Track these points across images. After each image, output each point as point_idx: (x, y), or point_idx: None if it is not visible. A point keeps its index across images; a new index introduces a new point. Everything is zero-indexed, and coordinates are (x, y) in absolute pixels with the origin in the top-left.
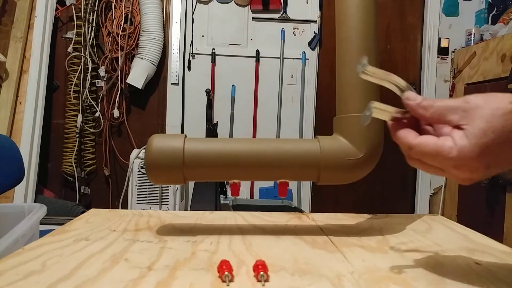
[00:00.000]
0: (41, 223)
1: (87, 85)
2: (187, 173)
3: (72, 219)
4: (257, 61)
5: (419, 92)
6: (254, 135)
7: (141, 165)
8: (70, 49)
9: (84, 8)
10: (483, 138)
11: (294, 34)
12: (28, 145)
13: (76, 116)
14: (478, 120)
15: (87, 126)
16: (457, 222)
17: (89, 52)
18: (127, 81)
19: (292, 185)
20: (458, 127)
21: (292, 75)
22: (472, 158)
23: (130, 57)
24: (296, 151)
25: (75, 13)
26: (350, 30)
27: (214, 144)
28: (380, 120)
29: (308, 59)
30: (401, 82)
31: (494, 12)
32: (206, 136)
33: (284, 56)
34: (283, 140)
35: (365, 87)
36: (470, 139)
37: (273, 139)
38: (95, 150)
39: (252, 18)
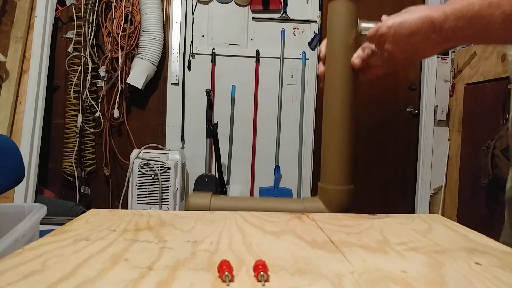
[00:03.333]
0: (41, 223)
1: (87, 85)
2: None
3: (72, 219)
4: (257, 61)
5: (419, 92)
6: (254, 135)
7: (141, 165)
8: (70, 49)
9: (84, 8)
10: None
11: (294, 34)
12: (28, 145)
13: (76, 116)
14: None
15: (87, 126)
16: (457, 222)
17: (89, 52)
18: (127, 81)
19: (292, 185)
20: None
21: (292, 75)
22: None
23: (130, 57)
24: (287, 209)
25: (75, 13)
26: (334, 115)
27: (232, 202)
28: (348, 191)
29: (308, 59)
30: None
31: None
32: (206, 136)
33: (284, 56)
34: (280, 200)
35: (342, 164)
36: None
37: (273, 199)
38: (95, 150)
39: (252, 18)
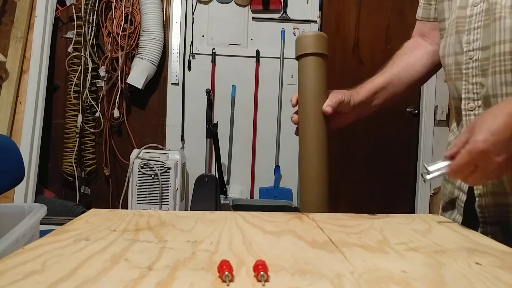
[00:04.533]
0: (41, 223)
1: (87, 85)
2: None
3: (72, 219)
4: (257, 61)
5: (419, 92)
6: (254, 135)
7: (141, 165)
8: (70, 49)
9: (84, 8)
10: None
11: (294, 34)
12: (28, 145)
13: (76, 116)
14: (479, 127)
15: (87, 126)
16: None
17: (89, 52)
18: (127, 81)
19: (293, 185)
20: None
21: (292, 75)
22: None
23: (130, 57)
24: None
25: (75, 13)
26: (311, 148)
27: None
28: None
29: None
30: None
31: None
32: (206, 136)
33: (284, 56)
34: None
35: (321, 195)
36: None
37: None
38: (95, 150)
39: (252, 18)
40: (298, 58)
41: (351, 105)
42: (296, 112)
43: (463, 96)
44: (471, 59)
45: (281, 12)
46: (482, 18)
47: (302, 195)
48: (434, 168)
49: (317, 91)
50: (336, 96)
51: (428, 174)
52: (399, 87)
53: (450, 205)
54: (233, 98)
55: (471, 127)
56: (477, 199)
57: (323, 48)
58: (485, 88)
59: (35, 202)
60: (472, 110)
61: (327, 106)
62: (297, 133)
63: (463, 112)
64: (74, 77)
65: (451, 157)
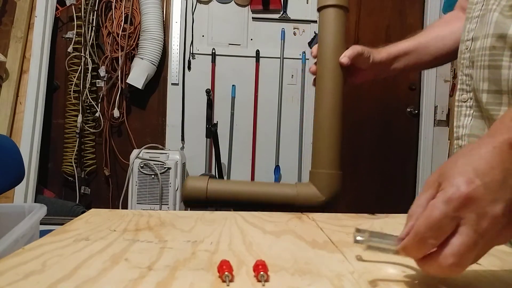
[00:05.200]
0: (41, 223)
1: (87, 85)
2: (209, 202)
3: (72, 219)
4: (257, 61)
5: (419, 92)
6: (254, 135)
7: (141, 165)
8: (70, 49)
9: (84, 8)
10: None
11: (294, 34)
12: (28, 145)
13: (76, 116)
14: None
15: (87, 126)
16: None
17: (89, 52)
18: (127, 81)
19: None
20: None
21: (292, 75)
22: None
23: (130, 57)
24: (280, 192)
25: (75, 13)
26: (324, 108)
27: (228, 185)
28: (339, 176)
29: (308, 59)
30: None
31: None
32: (206, 136)
33: (284, 56)
34: (274, 184)
35: (332, 150)
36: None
37: (267, 183)
38: (95, 150)
39: (252, 18)
40: (319, 9)
41: (369, 61)
42: (316, 64)
43: (458, 86)
44: (466, 49)
45: (281, 12)
46: (482, 7)
47: (314, 148)
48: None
49: (335, 43)
50: (355, 48)
51: (358, 240)
52: (424, 57)
53: None
54: (233, 98)
55: (441, 169)
56: None
57: (343, 0)
58: (473, 80)
59: (35, 202)
60: (464, 102)
61: (344, 57)
62: (314, 83)
63: (456, 103)
64: (74, 77)
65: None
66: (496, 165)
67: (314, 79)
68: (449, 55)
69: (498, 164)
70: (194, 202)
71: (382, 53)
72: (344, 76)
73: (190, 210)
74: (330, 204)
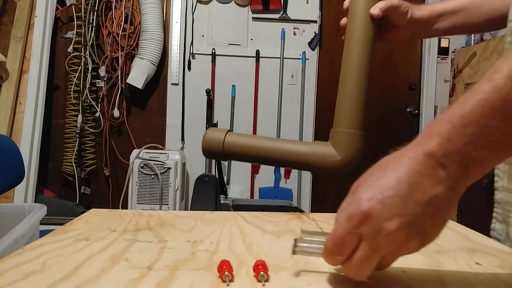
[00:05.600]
0: (41, 223)
1: (87, 85)
2: (226, 156)
3: (72, 219)
4: (257, 61)
5: (419, 92)
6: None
7: (141, 165)
8: (70, 49)
9: (84, 8)
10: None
11: (294, 34)
12: (28, 145)
13: (76, 116)
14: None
15: (87, 126)
16: (457, 222)
17: (89, 52)
18: (127, 81)
19: (293, 185)
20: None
21: (292, 75)
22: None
23: (130, 57)
24: (296, 150)
25: (75, 13)
26: (353, 55)
27: (243, 139)
28: (361, 136)
29: (308, 59)
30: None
31: None
32: None
33: (284, 56)
34: (291, 141)
35: (354, 107)
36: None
37: (284, 139)
38: (95, 150)
39: (252, 18)
40: None
41: (407, 17)
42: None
43: None
44: (510, 31)
45: (281, 12)
46: None
47: (336, 105)
48: (306, 245)
49: None
50: (389, 1)
51: (296, 250)
52: (474, 18)
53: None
54: (233, 98)
55: (360, 178)
56: None
57: None
58: None
59: (35, 202)
60: None
61: (376, 8)
62: (343, 38)
63: None
64: (74, 77)
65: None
66: (404, 178)
67: (343, 33)
68: (505, 19)
69: (406, 177)
70: (212, 153)
71: (423, 9)
72: (377, 32)
73: (210, 159)
74: (347, 166)
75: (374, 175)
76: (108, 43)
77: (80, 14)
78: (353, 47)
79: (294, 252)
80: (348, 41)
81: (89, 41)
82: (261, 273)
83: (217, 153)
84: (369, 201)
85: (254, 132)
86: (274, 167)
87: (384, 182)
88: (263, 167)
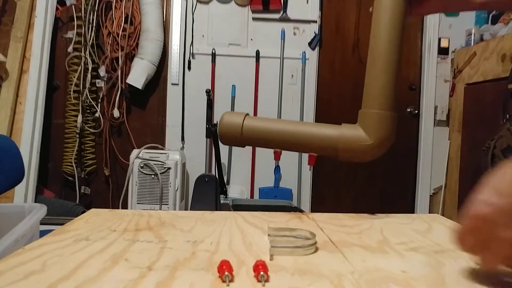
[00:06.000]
0: (41, 223)
1: (87, 85)
2: (244, 141)
3: (72, 219)
4: (257, 61)
5: (419, 92)
6: None
7: (141, 165)
8: (70, 49)
9: (84, 8)
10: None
11: (294, 34)
12: (28, 145)
13: (76, 116)
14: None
15: (87, 126)
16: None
17: (89, 52)
18: (127, 81)
19: (293, 185)
20: None
21: (292, 75)
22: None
23: (130, 57)
24: (322, 133)
25: (75, 13)
26: (382, 30)
27: (264, 123)
28: (393, 118)
29: (308, 59)
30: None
31: (494, 12)
32: (206, 136)
33: (284, 56)
34: (315, 124)
35: (384, 87)
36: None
37: (308, 122)
38: (95, 150)
39: (252, 18)
40: None
41: None
42: None
43: None
44: None
45: (281, 12)
46: None
47: (365, 85)
48: (280, 246)
49: None
50: None
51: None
52: None
53: None
54: (233, 98)
55: (491, 177)
56: None
57: None
58: None
59: (35, 202)
60: None
61: None
62: (372, 11)
63: None
64: (74, 77)
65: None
66: None
67: (372, 6)
68: None
69: None
70: (230, 139)
71: None
72: (407, 5)
73: (228, 146)
74: (378, 151)
75: (495, 175)
76: (108, 43)
77: (80, 14)
78: (382, 21)
79: (271, 258)
80: (377, 15)
81: (89, 41)
82: (261, 273)
83: (235, 139)
84: (486, 206)
85: None
86: (273, 169)
87: (503, 186)
88: (261, 167)
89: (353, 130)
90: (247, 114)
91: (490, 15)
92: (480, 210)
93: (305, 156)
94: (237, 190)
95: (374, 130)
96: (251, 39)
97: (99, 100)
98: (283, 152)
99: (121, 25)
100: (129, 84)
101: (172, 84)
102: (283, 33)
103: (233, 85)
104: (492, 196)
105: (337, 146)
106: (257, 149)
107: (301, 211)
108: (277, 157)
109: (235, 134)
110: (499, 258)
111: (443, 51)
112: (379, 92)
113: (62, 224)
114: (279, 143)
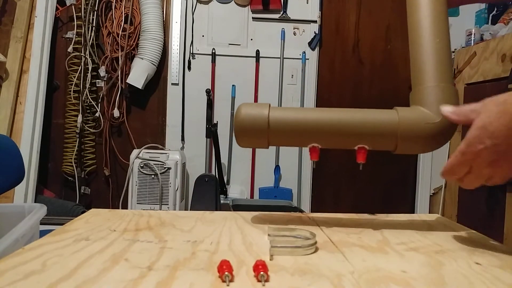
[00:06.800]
0: (41, 223)
1: (87, 85)
2: (271, 138)
3: (72, 219)
4: (257, 61)
5: None
6: None
7: (141, 165)
8: (70, 49)
9: (84, 8)
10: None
11: (294, 34)
12: (28, 145)
13: (76, 116)
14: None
15: (87, 126)
16: (457, 222)
17: (89, 52)
18: (127, 81)
19: (293, 185)
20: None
21: (292, 75)
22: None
23: (130, 57)
24: (375, 119)
25: (75, 13)
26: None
27: (297, 112)
28: (454, 89)
29: (308, 59)
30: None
31: (494, 12)
32: (206, 136)
33: (284, 56)
34: (362, 109)
35: (439, 58)
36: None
37: (352, 108)
38: (95, 150)
39: (252, 18)
40: None
41: None
42: None
43: None
44: None
45: (281, 12)
46: None
47: (415, 59)
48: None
49: None
50: None
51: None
52: None
53: None
54: (233, 98)
55: (479, 106)
56: None
57: None
58: None
59: (35, 202)
60: None
61: None
62: None
63: None
64: (74, 77)
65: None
66: (508, 131)
67: None
68: None
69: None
70: (251, 137)
71: None
72: None
73: (247, 147)
74: (448, 131)
75: (489, 117)
76: (108, 43)
77: (80, 14)
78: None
79: (271, 258)
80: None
81: (89, 41)
82: (261, 273)
83: (260, 136)
84: (480, 144)
85: None
86: (273, 169)
87: (494, 129)
88: (261, 167)
89: (413, 110)
90: (270, 105)
91: (490, 15)
92: (475, 148)
93: (305, 156)
94: (237, 190)
95: (440, 105)
96: (251, 39)
97: (99, 100)
98: (283, 152)
99: (121, 25)
100: (129, 84)
101: (172, 84)
102: (283, 33)
103: (233, 85)
104: (484, 136)
105: (397, 132)
106: (257, 149)
107: (301, 211)
108: (315, 155)
109: (260, 130)
110: (479, 181)
111: None
112: (436, 64)
113: (62, 224)
114: (319, 137)
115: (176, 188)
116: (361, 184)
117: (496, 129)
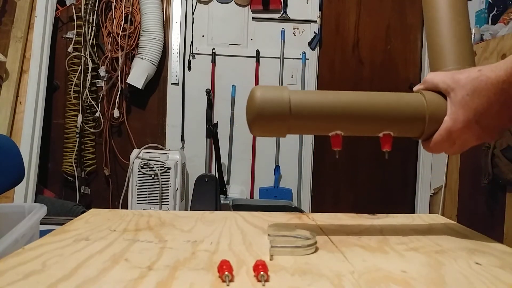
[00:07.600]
0: (41, 223)
1: (87, 85)
2: (292, 123)
3: (72, 219)
4: (257, 61)
5: None
6: (254, 137)
7: (141, 165)
8: (70, 49)
9: (84, 8)
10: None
11: (294, 34)
12: (28, 145)
13: (76, 116)
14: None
15: (87, 126)
16: (457, 222)
17: (89, 52)
18: (127, 81)
19: (293, 185)
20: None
21: (292, 75)
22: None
23: (130, 57)
24: (403, 102)
25: (75, 13)
26: None
27: (320, 95)
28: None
29: (308, 59)
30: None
31: (494, 12)
32: (206, 136)
33: (284, 56)
34: (387, 93)
35: (458, 39)
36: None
37: (376, 92)
38: (95, 150)
39: (252, 18)
40: None
41: None
42: None
43: None
44: None
45: (281, 12)
46: None
47: (433, 43)
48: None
49: None
50: None
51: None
52: None
53: None
54: (233, 98)
55: (457, 87)
56: None
57: None
58: None
59: (35, 202)
60: None
61: None
62: None
63: None
64: (74, 77)
65: None
66: (490, 107)
67: None
68: None
69: (492, 107)
70: (270, 123)
71: None
72: None
73: (266, 136)
74: None
75: (470, 95)
76: (108, 43)
77: (80, 14)
78: None
79: (271, 258)
80: None
81: (89, 41)
82: (261, 273)
83: (280, 121)
84: (464, 123)
85: None
86: (273, 169)
87: (478, 107)
88: (261, 167)
89: (438, 94)
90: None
91: (490, 15)
92: (455, 126)
93: (305, 156)
94: (237, 190)
95: None
96: (251, 39)
97: (99, 100)
98: (283, 152)
99: (121, 25)
100: (129, 84)
101: (172, 84)
102: (283, 33)
103: (233, 85)
104: (470, 116)
105: (425, 116)
106: (257, 148)
107: (301, 211)
108: (337, 144)
109: (280, 116)
110: (461, 150)
111: None
112: (457, 46)
113: (62, 224)
114: (343, 123)
115: (176, 188)
116: (361, 184)
117: (478, 105)
